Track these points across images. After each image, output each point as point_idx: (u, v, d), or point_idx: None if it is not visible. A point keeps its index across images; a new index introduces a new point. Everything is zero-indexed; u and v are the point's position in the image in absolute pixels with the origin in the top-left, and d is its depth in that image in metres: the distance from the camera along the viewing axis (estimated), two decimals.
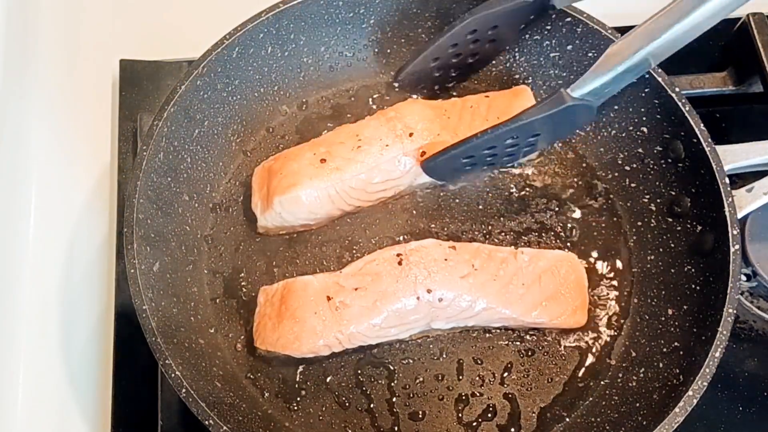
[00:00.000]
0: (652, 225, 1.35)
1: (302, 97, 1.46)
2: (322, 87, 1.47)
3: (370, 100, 1.48)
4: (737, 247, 1.19)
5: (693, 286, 1.26)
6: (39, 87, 1.53)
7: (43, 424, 1.30)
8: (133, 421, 1.26)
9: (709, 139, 1.27)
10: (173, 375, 1.10)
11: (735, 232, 1.20)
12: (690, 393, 1.11)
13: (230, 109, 1.38)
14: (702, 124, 1.28)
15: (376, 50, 1.48)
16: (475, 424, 1.23)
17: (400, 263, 1.21)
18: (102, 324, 1.35)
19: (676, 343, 1.23)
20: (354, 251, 1.34)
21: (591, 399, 1.25)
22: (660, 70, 1.32)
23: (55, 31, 1.59)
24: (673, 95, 1.30)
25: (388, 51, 1.48)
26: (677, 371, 1.19)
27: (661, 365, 1.22)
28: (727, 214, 1.21)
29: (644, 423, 1.15)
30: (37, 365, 1.33)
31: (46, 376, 1.32)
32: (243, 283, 1.31)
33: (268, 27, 1.36)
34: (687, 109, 1.29)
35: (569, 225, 1.38)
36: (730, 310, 1.15)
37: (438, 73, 1.43)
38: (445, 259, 1.23)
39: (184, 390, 1.09)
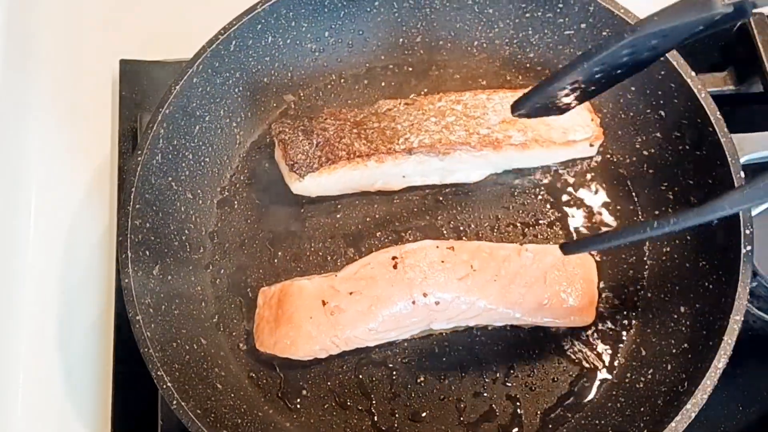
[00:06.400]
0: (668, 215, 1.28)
1: (309, 84, 1.43)
2: (329, 73, 1.44)
3: (383, 83, 1.44)
4: (749, 248, 1.13)
5: (706, 284, 1.20)
6: (39, 87, 1.53)
7: (43, 423, 1.33)
8: (133, 421, 1.29)
9: (725, 129, 1.20)
10: (164, 386, 1.11)
11: (747, 232, 1.14)
12: (689, 406, 1.08)
13: (233, 102, 1.37)
14: (718, 112, 1.21)
15: (385, 31, 1.43)
16: (476, 425, 1.21)
17: (395, 266, 1.19)
18: (102, 324, 1.37)
19: (685, 345, 1.19)
20: (359, 246, 1.32)
21: (596, 399, 1.22)
22: (676, 53, 1.24)
23: (55, 31, 1.58)
24: (689, 80, 1.23)
25: (398, 31, 1.43)
26: (684, 376, 1.14)
27: (669, 367, 1.18)
28: (740, 213, 1.14)
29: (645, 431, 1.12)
30: (37, 365, 1.36)
31: (46, 376, 1.35)
32: (248, 281, 1.31)
33: (266, 18, 1.33)
34: (703, 95, 1.22)
35: (582, 214, 1.33)
36: (737, 318, 1.11)
37: (570, 94, 1.09)
38: (442, 261, 1.20)
39: (174, 402, 1.10)
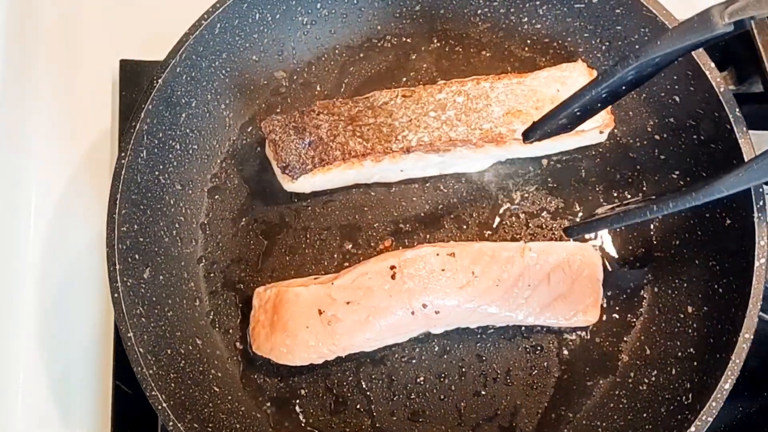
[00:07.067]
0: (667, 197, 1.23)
1: (301, 59, 1.34)
2: (322, 46, 1.35)
3: (380, 56, 1.35)
4: (763, 261, 1.08)
5: (716, 286, 1.16)
6: (39, 87, 1.48)
7: (43, 423, 1.33)
8: (133, 421, 1.28)
9: (744, 128, 1.12)
10: (160, 407, 1.10)
11: (762, 243, 1.09)
12: (693, 429, 1.06)
13: (220, 84, 1.29)
14: (737, 109, 1.13)
15: (381, 1, 1.33)
16: (476, 425, 1.20)
17: (393, 277, 1.15)
18: (102, 324, 1.35)
19: (691, 350, 1.16)
20: (356, 238, 1.28)
21: (597, 399, 1.21)
22: None
23: (56, 31, 1.51)
24: (707, 71, 1.15)
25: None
26: (688, 386, 1.13)
27: (674, 372, 1.16)
28: (755, 220, 1.10)
29: None
30: (37, 365, 1.35)
31: (46, 376, 1.34)
32: (242, 275, 1.27)
33: None
34: (722, 90, 1.14)
35: (588, 202, 1.27)
36: (747, 336, 1.07)
37: (578, 114, 1.07)
38: (443, 270, 1.16)
39: (171, 423, 1.09)
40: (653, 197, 1.08)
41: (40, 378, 1.34)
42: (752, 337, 1.07)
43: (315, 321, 1.16)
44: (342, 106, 1.22)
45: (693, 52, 1.14)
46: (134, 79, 1.43)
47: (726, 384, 1.06)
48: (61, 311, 1.37)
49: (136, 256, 1.18)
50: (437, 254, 1.17)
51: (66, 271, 1.39)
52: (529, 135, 1.06)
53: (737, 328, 1.08)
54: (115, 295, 1.13)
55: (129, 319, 1.12)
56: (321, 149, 1.19)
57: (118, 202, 1.15)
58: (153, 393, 1.10)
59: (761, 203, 1.09)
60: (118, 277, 1.13)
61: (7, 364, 1.33)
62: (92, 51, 1.50)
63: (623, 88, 1.01)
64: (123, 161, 1.16)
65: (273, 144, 1.20)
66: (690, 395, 1.11)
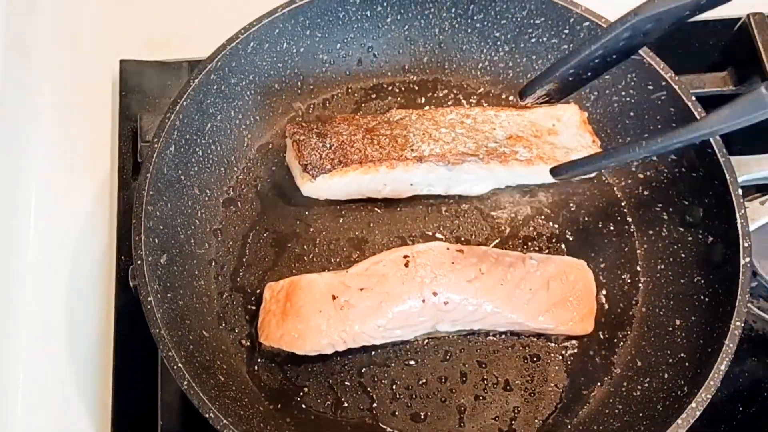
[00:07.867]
0: (663, 234, 1.34)
1: (317, 95, 1.46)
2: (337, 84, 1.47)
3: (389, 98, 1.48)
4: (748, 260, 1.18)
5: (702, 297, 1.25)
6: (39, 87, 1.53)
7: (44, 424, 1.30)
8: (133, 421, 1.27)
9: (724, 150, 1.26)
10: (175, 367, 1.10)
11: (746, 245, 1.19)
12: (693, 405, 1.10)
13: (243, 104, 1.39)
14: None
15: (394, 48, 1.48)
16: (476, 428, 1.22)
17: (406, 265, 1.21)
18: (103, 325, 1.36)
19: (682, 354, 1.22)
20: (363, 249, 1.34)
21: (593, 406, 1.24)
22: (677, 78, 1.31)
23: (55, 31, 1.59)
24: (689, 104, 1.29)
25: (406, 50, 1.48)
26: (682, 382, 1.18)
27: (666, 376, 1.21)
28: (738, 226, 1.20)
29: None
30: (37, 366, 1.34)
31: (47, 376, 1.33)
32: (251, 279, 1.31)
33: (284, 23, 1.36)
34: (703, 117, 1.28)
35: (579, 232, 1.37)
36: (738, 323, 1.15)
37: (570, 79, 1.21)
38: (453, 263, 1.22)
39: (185, 382, 1.09)
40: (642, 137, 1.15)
41: (40, 378, 1.32)
42: (743, 324, 1.14)
43: (328, 306, 1.19)
44: (361, 119, 1.33)
45: (676, 88, 1.30)
46: (134, 79, 1.49)
47: (722, 365, 1.12)
48: (61, 311, 1.37)
49: (156, 240, 1.22)
50: (447, 248, 1.24)
51: (66, 271, 1.40)
52: (526, 91, 1.16)
53: (727, 321, 1.15)
54: (138, 262, 1.15)
55: (150, 287, 1.15)
56: (341, 152, 1.29)
57: (148, 180, 1.21)
58: (170, 354, 1.10)
59: (742, 212, 1.21)
60: (143, 246, 1.17)
61: (7, 364, 1.31)
62: (92, 51, 1.55)
63: (614, 57, 1.13)
64: (156, 146, 1.23)
65: (296, 144, 1.29)
66: (685, 388, 1.16)
